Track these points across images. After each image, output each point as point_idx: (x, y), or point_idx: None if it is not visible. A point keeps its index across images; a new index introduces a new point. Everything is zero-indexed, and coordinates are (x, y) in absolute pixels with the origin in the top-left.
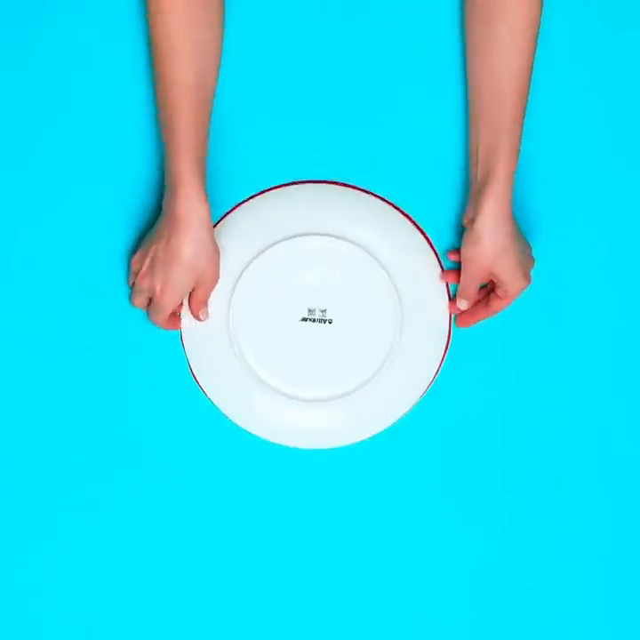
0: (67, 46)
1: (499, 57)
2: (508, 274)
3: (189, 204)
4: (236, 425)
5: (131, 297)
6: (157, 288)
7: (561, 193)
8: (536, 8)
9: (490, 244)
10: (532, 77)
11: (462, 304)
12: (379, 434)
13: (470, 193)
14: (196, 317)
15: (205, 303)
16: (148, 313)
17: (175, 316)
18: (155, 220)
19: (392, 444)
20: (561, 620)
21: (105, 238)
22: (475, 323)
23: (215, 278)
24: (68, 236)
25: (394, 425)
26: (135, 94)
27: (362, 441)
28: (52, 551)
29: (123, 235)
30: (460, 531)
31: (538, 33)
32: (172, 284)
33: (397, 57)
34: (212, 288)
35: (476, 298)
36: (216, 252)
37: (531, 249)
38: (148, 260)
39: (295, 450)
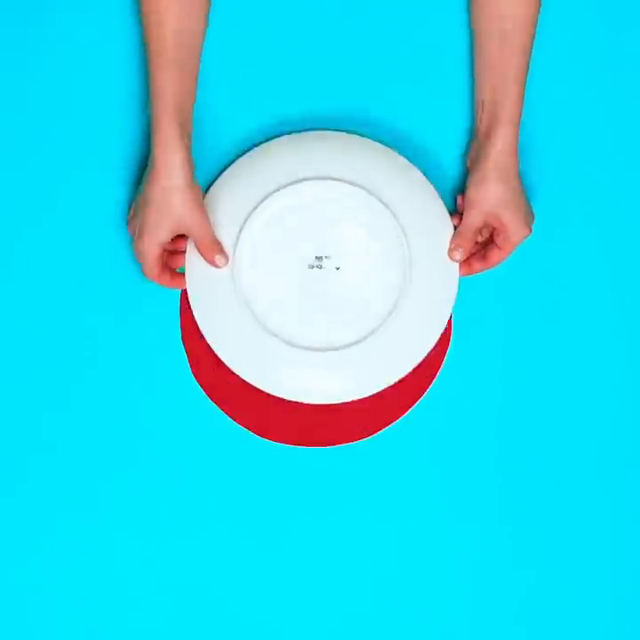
0: (64, 43)
1: (506, 5)
2: (512, 220)
3: (162, 149)
4: (235, 423)
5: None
6: (136, 233)
7: (560, 193)
8: None
9: (494, 185)
10: (531, 77)
11: (458, 254)
12: (380, 434)
13: (475, 135)
14: (213, 264)
15: (215, 249)
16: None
17: (177, 275)
18: None
19: (393, 440)
20: (561, 619)
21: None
22: (469, 274)
23: (200, 223)
24: (64, 224)
25: (394, 424)
26: (129, 86)
27: (361, 441)
28: (52, 549)
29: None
30: (462, 527)
31: None
32: (147, 228)
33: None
34: (205, 234)
35: (473, 246)
36: (193, 194)
37: (530, 204)
38: (133, 206)
39: (295, 448)
